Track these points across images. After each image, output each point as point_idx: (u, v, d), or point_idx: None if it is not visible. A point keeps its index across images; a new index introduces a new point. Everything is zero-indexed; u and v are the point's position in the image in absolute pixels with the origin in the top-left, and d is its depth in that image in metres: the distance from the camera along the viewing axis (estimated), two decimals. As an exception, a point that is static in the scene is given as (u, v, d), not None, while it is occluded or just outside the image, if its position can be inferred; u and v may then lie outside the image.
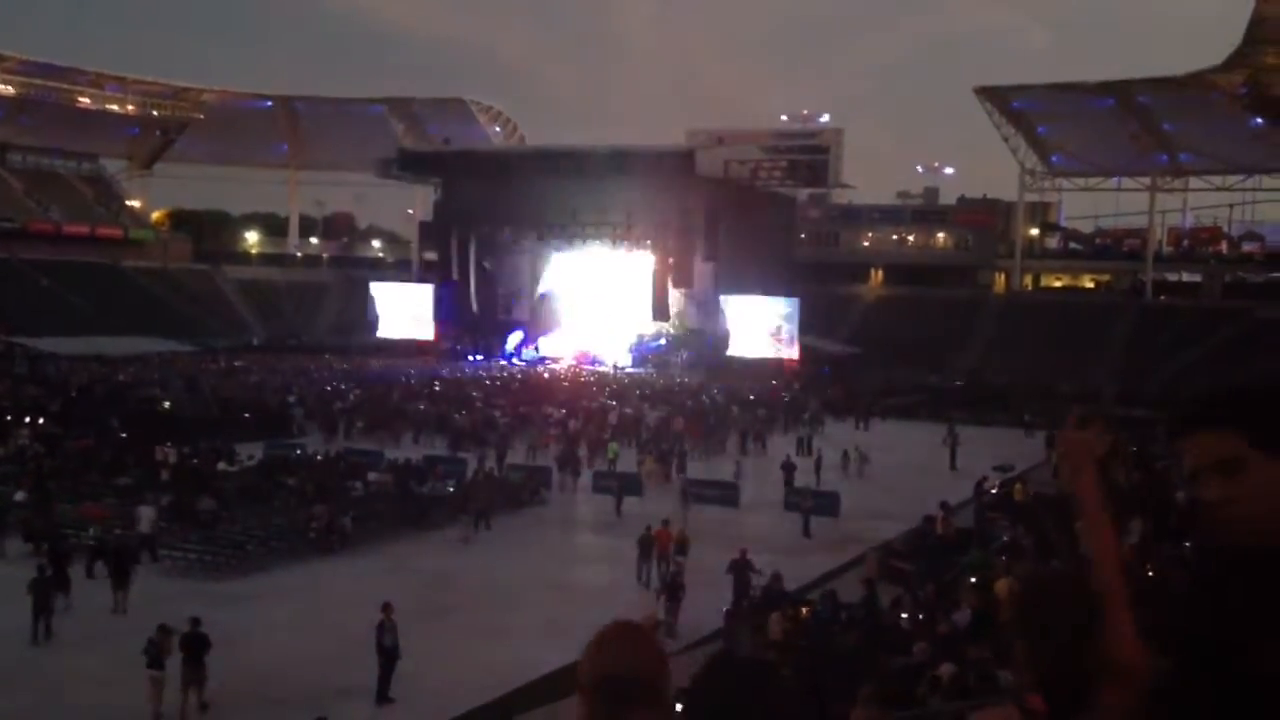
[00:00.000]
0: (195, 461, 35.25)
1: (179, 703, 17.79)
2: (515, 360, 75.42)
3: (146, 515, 27.11)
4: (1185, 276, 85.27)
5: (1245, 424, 2.16)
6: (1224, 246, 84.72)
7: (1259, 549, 2.16)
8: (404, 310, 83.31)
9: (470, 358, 75.75)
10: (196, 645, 17.96)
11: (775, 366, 70.74)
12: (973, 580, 20.21)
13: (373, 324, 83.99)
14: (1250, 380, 2.27)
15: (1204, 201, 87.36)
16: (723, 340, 73.85)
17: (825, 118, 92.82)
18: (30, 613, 20.82)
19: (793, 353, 72.06)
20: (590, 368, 72.39)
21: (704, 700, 2.48)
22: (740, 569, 23.52)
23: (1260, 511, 2.15)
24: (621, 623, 2.58)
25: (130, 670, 17.98)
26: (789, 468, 38.72)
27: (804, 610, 20.47)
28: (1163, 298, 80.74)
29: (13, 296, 70.29)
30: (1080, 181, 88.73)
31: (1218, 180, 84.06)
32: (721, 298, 74.20)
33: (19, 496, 28.67)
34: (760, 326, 73.04)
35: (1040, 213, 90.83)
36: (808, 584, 24.90)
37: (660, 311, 76.63)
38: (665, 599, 23.04)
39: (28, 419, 41.81)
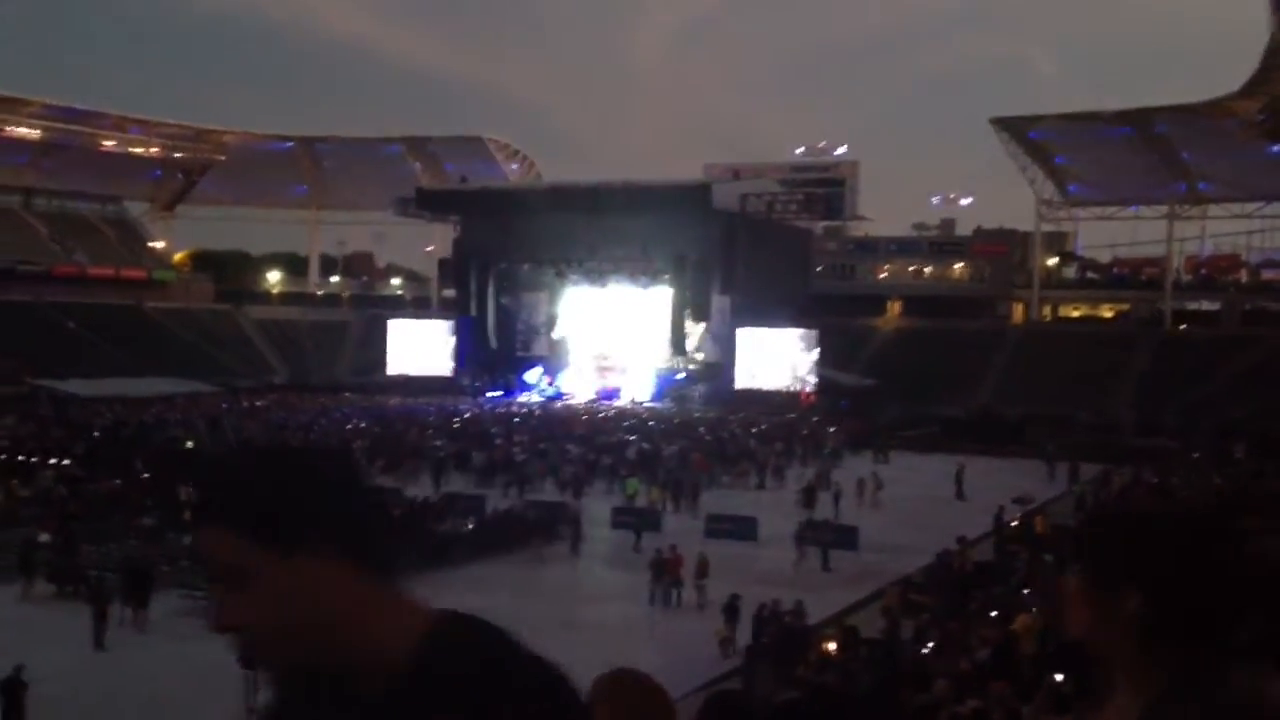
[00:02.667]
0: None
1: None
2: (534, 396, 75.67)
3: None
4: (1204, 305, 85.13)
5: (243, 519, 1.69)
6: (1243, 274, 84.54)
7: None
8: (423, 347, 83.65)
9: (489, 394, 75.96)
10: None
11: (792, 399, 70.79)
12: (993, 614, 20.24)
13: (391, 362, 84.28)
14: (267, 463, 1.80)
15: (1222, 229, 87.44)
16: (737, 373, 74.08)
17: (841, 150, 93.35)
18: (91, 621, 23.13)
19: (809, 385, 72.10)
20: (608, 403, 72.54)
21: None
22: (766, 621, 23.60)
23: (280, 629, 1.69)
24: (624, 670, 2.77)
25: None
26: (809, 492, 39.59)
27: (825, 646, 20.51)
28: (1182, 326, 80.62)
29: (38, 339, 70.85)
30: (1097, 211, 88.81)
31: (1236, 208, 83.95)
32: (738, 331, 74.33)
33: (43, 538, 28.92)
34: (777, 359, 73.10)
35: (1057, 242, 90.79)
36: (828, 618, 24.95)
37: (678, 345, 76.86)
38: (725, 618, 23.78)
39: (52, 461, 42.19)
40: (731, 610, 23.85)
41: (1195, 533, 1.95)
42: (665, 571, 27.74)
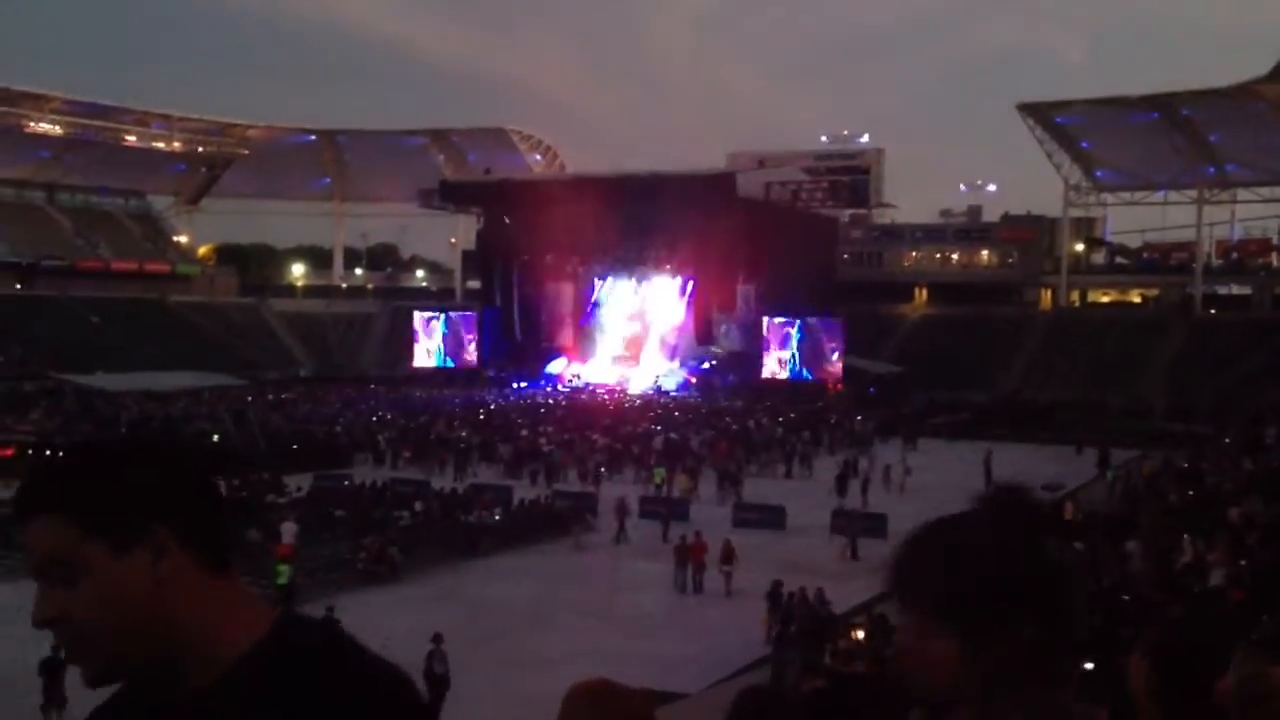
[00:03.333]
0: (244, 494, 35.47)
1: None
2: (559, 387, 75.55)
3: (289, 529, 28.42)
4: (1235, 289, 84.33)
5: (78, 503, 1.60)
6: (1273, 258, 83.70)
7: None
8: (448, 339, 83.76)
9: (514, 385, 75.88)
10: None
11: (820, 387, 70.52)
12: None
13: (416, 353, 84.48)
14: (100, 445, 1.69)
15: (1252, 213, 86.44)
16: (763, 362, 73.94)
17: (865, 138, 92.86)
18: None
19: (835, 372, 71.91)
20: (633, 391, 72.36)
21: None
22: (794, 604, 23.40)
23: (110, 626, 1.59)
24: (596, 681, 2.65)
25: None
26: (842, 480, 39.74)
27: (855, 635, 20.30)
28: (1212, 311, 79.88)
29: (63, 334, 71.17)
30: (1126, 196, 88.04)
31: (1266, 191, 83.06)
32: (764, 319, 74.12)
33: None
34: (805, 348, 72.85)
35: (1086, 228, 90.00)
36: (856, 606, 24.72)
37: (704, 335, 76.64)
38: (769, 605, 23.74)
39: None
40: (775, 598, 23.71)
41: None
42: (689, 558, 27.82)
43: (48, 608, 1.60)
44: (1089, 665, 12.70)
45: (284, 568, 25.42)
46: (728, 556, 27.72)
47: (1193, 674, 2.32)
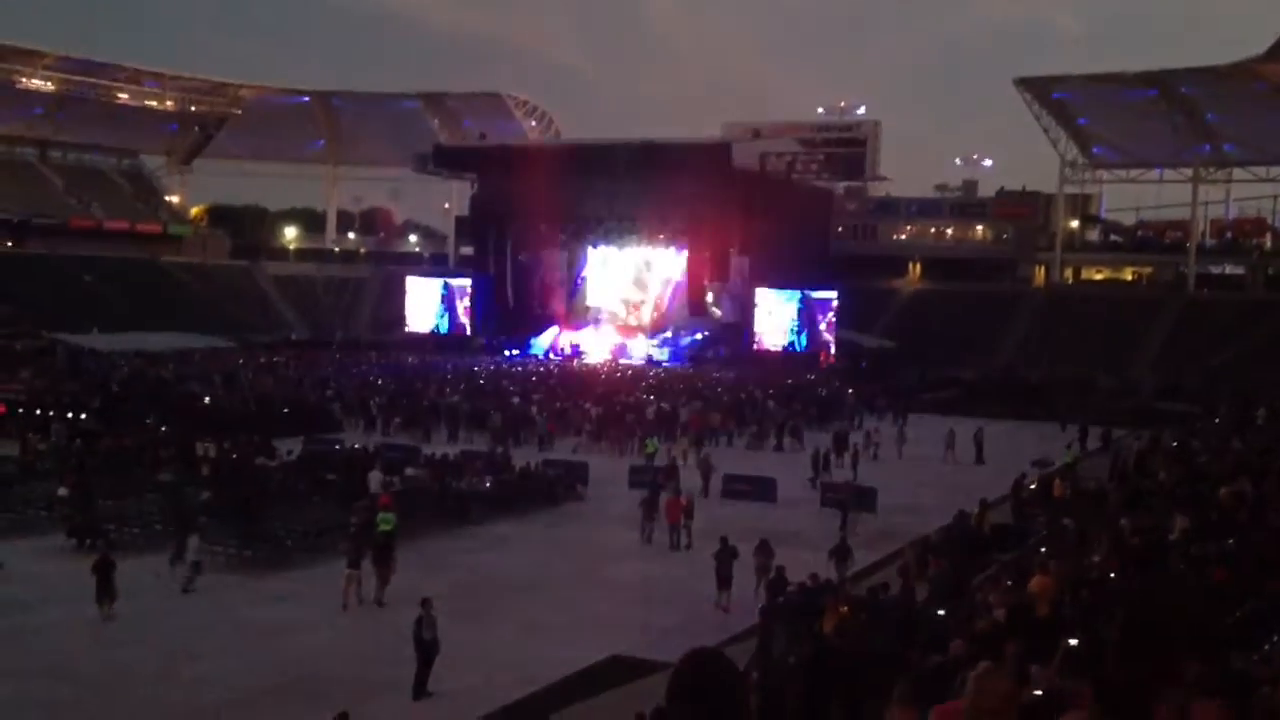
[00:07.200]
0: (234, 457, 35.41)
1: (370, 592, 22.97)
2: (551, 355, 75.48)
3: (375, 478, 31.03)
4: (1228, 269, 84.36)
5: None
6: (1268, 239, 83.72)
7: None
8: (440, 304, 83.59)
9: (506, 352, 75.78)
10: (385, 549, 23.56)
11: (812, 360, 70.50)
12: (1009, 582, 19.98)
13: (408, 318, 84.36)
14: None
15: (1247, 193, 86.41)
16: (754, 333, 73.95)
17: (862, 110, 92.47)
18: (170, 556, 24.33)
19: (828, 345, 71.95)
20: (625, 361, 72.33)
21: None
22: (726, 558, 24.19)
23: None
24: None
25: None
26: (841, 440, 41.69)
27: (843, 608, 20.31)
28: (1205, 290, 79.92)
29: (54, 293, 70.92)
30: (1121, 173, 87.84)
31: (1262, 171, 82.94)
32: (757, 291, 74.03)
33: (61, 492, 28.90)
34: (804, 319, 72.78)
35: (1081, 205, 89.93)
36: (845, 579, 24.79)
37: (696, 306, 76.54)
38: (835, 560, 24.89)
39: (69, 415, 42.18)
40: (843, 550, 25.17)
41: None
42: (666, 517, 29.47)
43: None
44: (1073, 641, 12.77)
45: (389, 515, 26.22)
46: (688, 511, 29.57)
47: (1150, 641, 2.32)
